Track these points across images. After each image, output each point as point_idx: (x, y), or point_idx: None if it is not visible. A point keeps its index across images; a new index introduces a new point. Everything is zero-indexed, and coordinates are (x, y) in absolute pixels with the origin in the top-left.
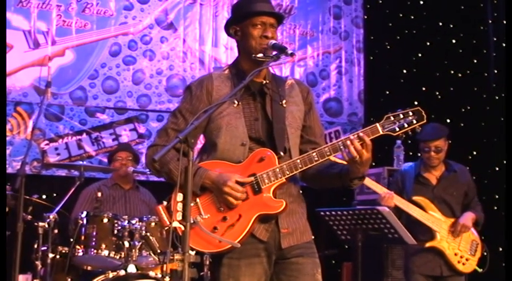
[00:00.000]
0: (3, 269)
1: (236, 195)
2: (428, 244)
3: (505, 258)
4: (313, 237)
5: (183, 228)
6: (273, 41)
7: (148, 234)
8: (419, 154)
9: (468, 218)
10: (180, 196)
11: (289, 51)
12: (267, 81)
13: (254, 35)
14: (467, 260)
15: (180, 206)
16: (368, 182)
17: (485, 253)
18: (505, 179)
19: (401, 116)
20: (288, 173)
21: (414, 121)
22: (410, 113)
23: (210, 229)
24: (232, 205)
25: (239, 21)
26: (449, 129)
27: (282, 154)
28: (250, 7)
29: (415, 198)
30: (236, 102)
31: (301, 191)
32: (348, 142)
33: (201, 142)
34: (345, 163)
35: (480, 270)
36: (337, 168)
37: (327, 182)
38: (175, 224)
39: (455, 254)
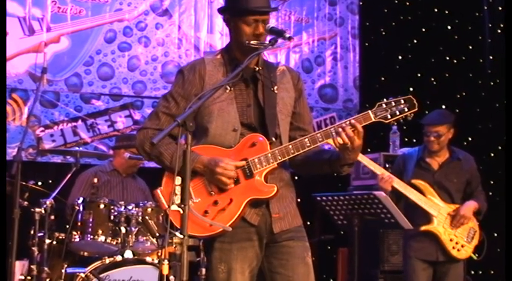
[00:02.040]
0: (4, 269)
1: (229, 174)
2: (423, 228)
3: (505, 258)
4: (308, 222)
5: (181, 211)
6: (271, 25)
7: (146, 217)
8: (414, 140)
9: (469, 207)
10: (178, 179)
11: (287, 35)
12: (259, 68)
13: (246, 32)
14: (462, 246)
15: (178, 189)
16: (367, 161)
17: (483, 240)
18: (505, 181)
19: (393, 103)
20: (279, 158)
21: (406, 109)
22: (402, 101)
23: (201, 212)
24: (225, 186)
25: (232, 14)
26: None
27: (273, 139)
28: (245, 2)
29: (414, 181)
30: (228, 88)
31: (295, 178)
32: (340, 129)
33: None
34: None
35: (476, 257)
36: (328, 154)
37: (317, 168)
38: (174, 207)
39: (451, 240)
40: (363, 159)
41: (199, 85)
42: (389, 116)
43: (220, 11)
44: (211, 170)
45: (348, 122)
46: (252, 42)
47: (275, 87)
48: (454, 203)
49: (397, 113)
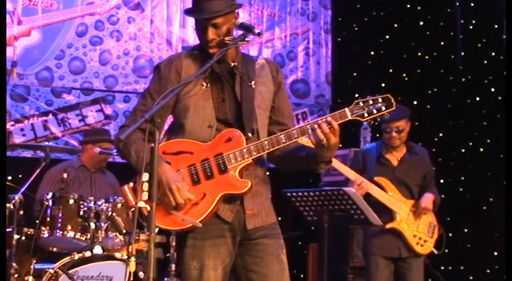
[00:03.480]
0: (3, 269)
1: (178, 199)
2: (388, 226)
3: (506, 258)
4: (279, 218)
5: (148, 208)
6: (240, 21)
7: (114, 214)
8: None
9: (429, 199)
10: (145, 176)
11: (257, 31)
12: (236, 63)
13: (202, 38)
14: (425, 241)
15: (145, 186)
16: (342, 168)
17: (442, 235)
18: (505, 181)
19: (371, 102)
20: (255, 154)
21: (383, 108)
22: (380, 100)
23: (173, 206)
24: (167, 204)
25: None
26: (415, 112)
27: (250, 135)
28: (195, 8)
29: (376, 178)
30: (205, 84)
31: (267, 173)
32: (316, 126)
33: (168, 123)
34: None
35: (436, 252)
36: (304, 151)
37: (294, 164)
38: (141, 204)
39: (414, 236)
40: (337, 165)
41: (176, 81)
42: (366, 115)
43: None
44: (167, 183)
45: (324, 119)
46: (226, 38)
47: (253, 82)
48: (413, 198)
49: (374, 111)
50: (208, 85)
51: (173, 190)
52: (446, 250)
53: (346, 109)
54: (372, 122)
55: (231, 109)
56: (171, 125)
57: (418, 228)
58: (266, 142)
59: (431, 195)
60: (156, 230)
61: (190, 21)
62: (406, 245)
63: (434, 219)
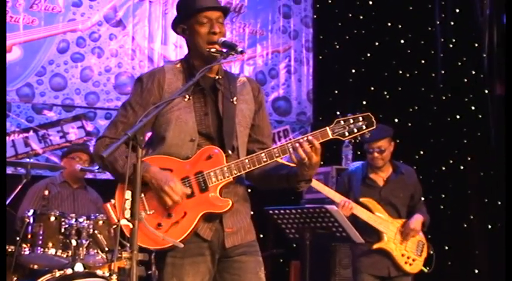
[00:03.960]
0: (3, 269)
1: (174, 197)
2: (376, 246)
3: (506, 259)
4: (261, 236)
5: (131, 226)
6: (223, 39)
7: (96, 232)
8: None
9: (417, 220)
10: (128, 193)
11: (239, 49)
12: (219, 77)
13: (201, 32)
14: (413, 260)
15: (128, 203)
16: (325, 190)
17: (431, 253)
18: (505, 185)
19: (352, 120)
20: (235, 172)
21: (364, 127)
22: (361, 119)
23: (154, 225)
24: (166, 205)
25: (185, 19)
26: (396, 129)
27: (229, 152)
28: (194, 4)
29: (362, 199)
30: (188, 97)
31: (249, 190)
32: (297, 145)
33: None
34: (293, 165)
35: (426, 270)
36: (285, 169)
37: (273, 183)
38: (123, 222)
39: (402, 255)
40: (320, 187)
41: (158, 93)
42: (347, 134)
43: (173, 24)
44: (159, 185)
45: (305, 138)
46: (212, 49)
47: (234, 99)
48: (401, 217)
49: (355, 130)
50: (191, 97)
51: (167, 191)
52: (427, 268)
53: (327, 128)
54: (353, 140)
55: (213, 124)
56: (149, 138)
57: (406, 247)
58: (247, 161)
59: (420, 216)
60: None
61: (172, 38)
62: (395, 264)
63: (423, 238)
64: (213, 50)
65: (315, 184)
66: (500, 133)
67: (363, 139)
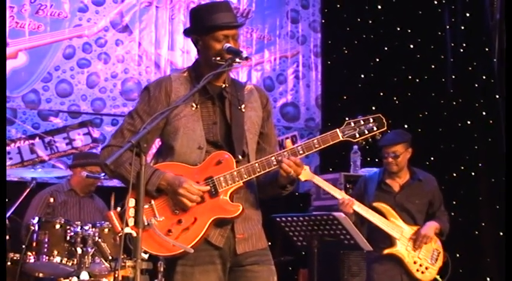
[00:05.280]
0: (3, 270)
1: (191, 197)
2: (386, 251)
3: (506, 258)
4: (269, 243)
5: (134, 234)
6: (228, 45)
7: (100, 240)
8: (376, 160)
9: (430, 227)
10: (132, 201)
11: (244, 55)
12: (227, 85)
13: (216, 48)
14: (426, 268)
15: (132, 211)
16: (326, 186)
17: (447, 262)
18: (505, 189)
19: (362, 122)
20: (245, 176)
21: (375, 128)
22: (371, 120)
23: (164, 231)
24: (186, 207)
25: (200, 33)
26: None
27: (240, 157)
28: (212, 19)
29: (375, 204)
30: (194, 105)
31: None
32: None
33: (156, 146)
34: None
35: (440, 279)
36: (271, 176)
37: (266, 190)
38: (128, 230)
39: (415, 263)
40: (322, 183)
41: (165, 102)
42: (357, 135)
43: (187, 32)
44: (174, 190)
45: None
46: (217, 58)
47: (242, 106)
48: (416, 224)
49: (366, 132)
50: (198, 106)
51: (182, 193)
52: (438, 276)
53: (337, 130)
54: (362, 143)
55: (222, 131)
56: (159, 148)
57: (419, 254)
58: (257, 165)
59: (434, 223)
60: (146, 256)
61: (179, 43)
62: (407, 271)
63: (439, 246)
64: (218, 58)
65: (316, 179)
66: None
67: (378, 143)
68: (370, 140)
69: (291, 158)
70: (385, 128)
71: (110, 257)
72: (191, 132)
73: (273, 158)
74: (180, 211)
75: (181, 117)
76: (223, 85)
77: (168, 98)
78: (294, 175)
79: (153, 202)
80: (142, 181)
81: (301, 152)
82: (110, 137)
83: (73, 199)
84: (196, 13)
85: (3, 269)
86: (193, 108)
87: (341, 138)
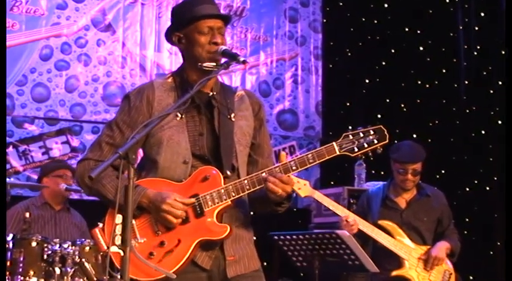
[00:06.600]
0: (3, 270)
1: (176, 213)
2: (395, 273)
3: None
4: (266, 264)
5: (121, 253)
6: (223, 47)
7: (83, 259)
8: (382, 173)
9: (441, 248)
10: (118, 218)
11: (241, 59)
12: (215, 93)
13: (201, 42)
14: None
15: (118, 228)
16: (328, 203)
17: None
18: (505, 195)
19: (361, 134)
20: (233, 194)
21: (375, 141)
22: (372, 132)
23: (145, 254)
24: (171, 224)
25: (182, 27)
26: None
27: (228, 173)
28: (194, 11)
29: (381, 222)
30: (179, 115)
31: (251, 213)
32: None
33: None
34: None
35: None
36: (263, 192)
37: (259, 207)
38: (114, 248)
39: None
40: (324, 200)
41: (147, 112)
42: (356, 149)
43: (168, 32)
44: (156, 207)
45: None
46: (205, 64)
47: (232, 115)
48: (426, 243)
49: (365, 145)
50: (183, 116)
51: (166, 210)
52: None
53: (334, 143)
54: (363, 157)
55: (209, 144)
56: (141, 161)
57: (430, 276)
58: (246, 181)
59: (445, 243)
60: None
61: (166, 44)
62: None
63: (450, 267)
64: (206, 64)
65: (317, 195)
66: None
67: (395, 157)
68: (369, 153)
69: (276, 176)
70: (387, 141)
71: (95, 279)
72: (176, 144)
73: (264, 174)
74: (163, 231)
75: (165, 129)
76: (211, 93)
77: (151, 107)
78: (282, 194)
79: (134, 221)
80: (131, 196)
81: (294, 167)
82: (86, 150)
83: (48, 214)
84: (178, 9)
85: (3, 269)
86: (178, 118)
87: (338, 153)
